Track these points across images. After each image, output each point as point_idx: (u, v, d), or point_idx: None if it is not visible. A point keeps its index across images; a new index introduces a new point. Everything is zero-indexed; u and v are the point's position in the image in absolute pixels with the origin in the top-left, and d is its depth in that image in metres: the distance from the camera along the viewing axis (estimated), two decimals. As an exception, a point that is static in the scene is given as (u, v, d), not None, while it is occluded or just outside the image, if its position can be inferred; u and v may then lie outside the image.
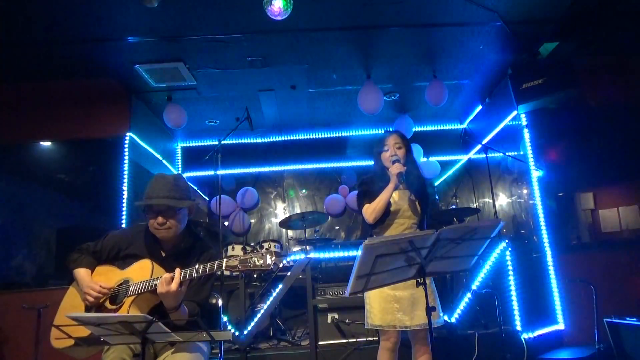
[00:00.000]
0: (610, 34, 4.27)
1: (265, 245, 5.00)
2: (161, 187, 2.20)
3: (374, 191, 2.67)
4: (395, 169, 2.61)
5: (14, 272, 4.41)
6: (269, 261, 1.91)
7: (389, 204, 2.65)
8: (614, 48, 4.57)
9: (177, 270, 2.00)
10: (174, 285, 1.96)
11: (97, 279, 2.23)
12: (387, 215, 2.67)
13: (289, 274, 3.95)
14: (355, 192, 3.38)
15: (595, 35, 4.20)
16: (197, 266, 2.01)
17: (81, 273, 2.25)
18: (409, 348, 2.64)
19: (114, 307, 2.14)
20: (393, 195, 2.69)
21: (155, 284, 2.05)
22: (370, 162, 2.92)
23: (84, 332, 1.93)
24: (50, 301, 3.43)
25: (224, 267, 1.96)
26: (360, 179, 2.92)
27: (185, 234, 2.31)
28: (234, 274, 4.46)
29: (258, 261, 1.92)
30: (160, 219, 2.18)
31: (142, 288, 2.08)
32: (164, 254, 2.28)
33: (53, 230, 4.58)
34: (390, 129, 5.64)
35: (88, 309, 2.18)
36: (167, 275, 1.98)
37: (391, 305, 2.53)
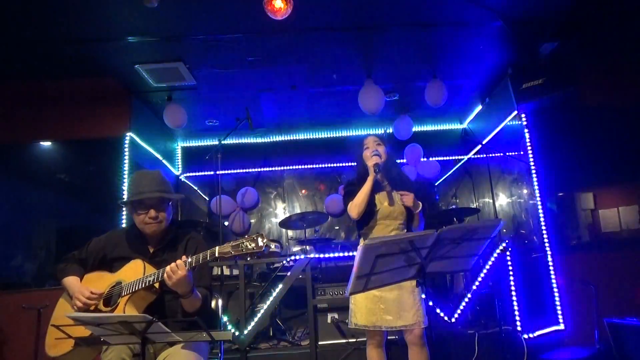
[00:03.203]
0: (610, 34, 4.27)
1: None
2: (150, 181, 2.26)
3: (357, 191, 2.70)
4: (371, 161, 2.68)
5: (14, 272, 4.41)
6: (260, 243, 1.95)
7: (374, 206, 2.68)
8: (614, 48, 4.56)
9: (180, 261, 2.02)
10: (181, 271, 1.99)
11: (89, 285, 2.21)
12: (372, 216, 2.69)
13: (289, 274, 3.95)
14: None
15: (595, 35, 4.20)
16: (194, 256, 2.04)
17: (70, 280, 2.25)
18: (406, 347, 2.64)
19: (108, 309, 2.14)
20: (379, 197, 2.72)
21: (149, 280, 2.06)
22: None
23: (82, 332, 1.92)
24: (50, 301, 3.42)
25: (217, 254, 2.00)
26: (346, 181, 2.99)
27: (169, 227, 2.35)
28: (232, 268, 4.46)
29: (250, 244, 1.95)
30: (152, 213, 2.23)
31: (136, 286, 2.09)
32: (151, 250, 2.30)
33: (53, 230, 4.58)
34: (390, 130, 5.70)
35: None
36: (172, 265, 2.00)
37: (377, 307, 2.56)
